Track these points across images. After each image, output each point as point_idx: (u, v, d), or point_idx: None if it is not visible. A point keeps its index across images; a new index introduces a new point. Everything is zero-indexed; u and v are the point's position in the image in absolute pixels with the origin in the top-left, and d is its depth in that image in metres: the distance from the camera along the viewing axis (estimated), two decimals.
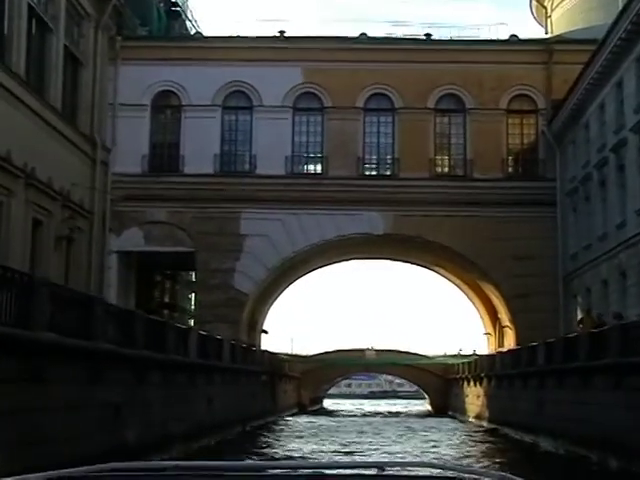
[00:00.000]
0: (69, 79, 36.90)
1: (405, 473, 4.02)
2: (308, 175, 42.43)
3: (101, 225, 39.00)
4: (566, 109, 38.38)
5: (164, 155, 41.71)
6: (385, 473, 3.77)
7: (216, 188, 40.55)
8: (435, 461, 5.37)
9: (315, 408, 66.90)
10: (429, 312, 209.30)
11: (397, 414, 63.52)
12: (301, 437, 35.66)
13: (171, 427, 23.24)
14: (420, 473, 4.10)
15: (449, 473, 3.75)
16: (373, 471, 3.84)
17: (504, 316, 44.21)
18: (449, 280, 52.44)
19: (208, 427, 27.83)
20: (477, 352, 59.49)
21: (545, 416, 30.04)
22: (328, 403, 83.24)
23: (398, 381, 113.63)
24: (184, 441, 22.11)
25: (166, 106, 42.38)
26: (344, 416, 58.04)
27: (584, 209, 37.07)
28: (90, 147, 38.43)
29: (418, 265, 52.13)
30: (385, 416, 60.39)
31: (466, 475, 3.83)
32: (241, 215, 40.94)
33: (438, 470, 3.90)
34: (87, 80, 38.38)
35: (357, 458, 25.47)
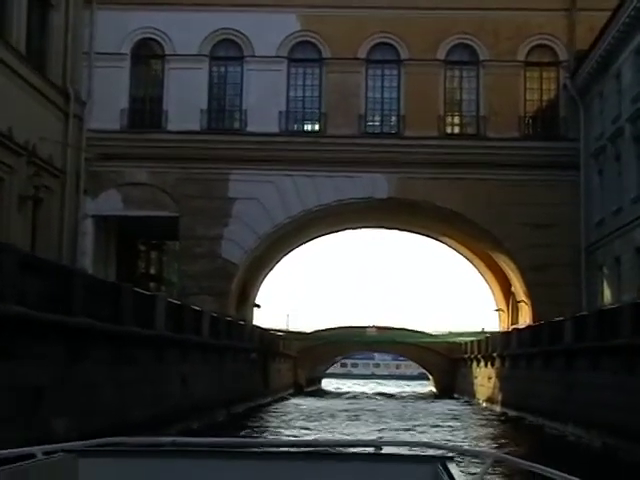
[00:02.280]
0: (36, 22, 33.58)
1: (401, 452, 4.23)
2: (304, 133, 39.02)
3: (74, 186, 35.71)
4: (593, 58, 34.49)
5: (145, 110, 38.45)
6: (382, 452, 3.93)
7: (202, 147, 37.21)
8: (431, 441, 5.12)
9: (312, 389, 63.27)
10: (435, 287, 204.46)
11: (399, 397, 59.68)
12: (290, 423, 31.89)
13: (128, 412, 19.37)
14: (416, 452, 4.48)
15: (444, 452, 3.93)
16: (370, 449, 3.96)
17: (519, 290, 40.48)
18: (458, 251, 48.81)
19: (183, 411, 23.96)
20: (486, 330, 55.72)
21: (575, 402, 26.17)
22: (326, 383, 79.73)
23: (401, 361, 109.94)
24: (148, 428, 18.28)
25: (148, 56, 39.11)
26: (341, 398, 54.22)
27: (613, 169, 33.21)
28: (62, 99, 35.26)
29: (424, 235, 48.51)
30: (387, 398, 56.59)
31: (461, 454, 4.51)
32: (230, 177, 37.49)
33: (434, 449, 4.19)
34: (58, 24, 34.99)
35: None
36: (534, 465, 3.48)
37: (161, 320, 22.72)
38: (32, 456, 3.54)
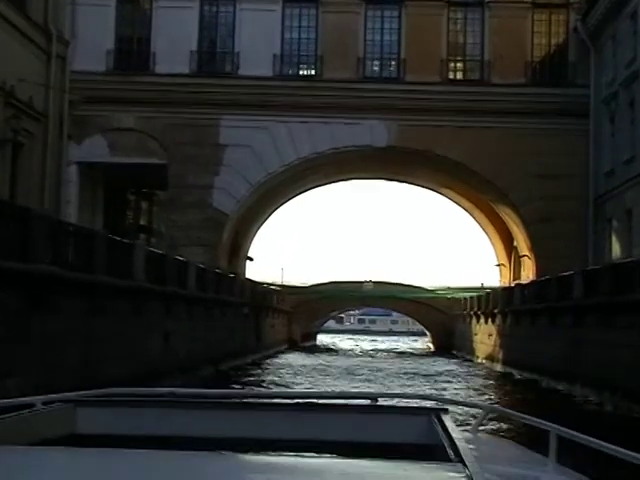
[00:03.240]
0: None
1: (398, 404, 4.24)
2: (300, 77, 37.17)
3: (57, 131, 33.99)
4: None
5: (132, 51, 36.46)
6: (378, 404, 3.94)
7: (192, 90, 35.30)
8: (426, 393, 5.34)
9: (307, 344, 61.86)
10: (434, 241, 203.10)
11: (397, 353, 58.36)
12: (281, 379, 30.44)
13: (99, 369, 17.74)
14: (412, 404, 4.34)
15: (440, 405, 3.86)
16: (366, 401, 3.97)
17: (522, 244, 38.87)
18: (459, 204, 47.15)
19: (164, 369, 22.29)
20: (485, 285, 54.22)
21: (584, 361, 24.60)
22: (322, 339, 78.45)
23: (398, 317, 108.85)
24: (122, 387, 16.64)
25: None
26: (336, 355, 52.82)
27: (626, 117, 31.42)
28: (44, 39, 33.39)
29: (424, 187, 46.83)
30: (380, 354, 55.20)
31: (457, 406, 4.40)
32: (221, 122, 35.71)
33: (430, 402, 4.13)
34: None
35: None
36: (527, 417, 3.50)
37: (140, 270, 21.02)
38: (31, 405, 3.56)
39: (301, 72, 37.17)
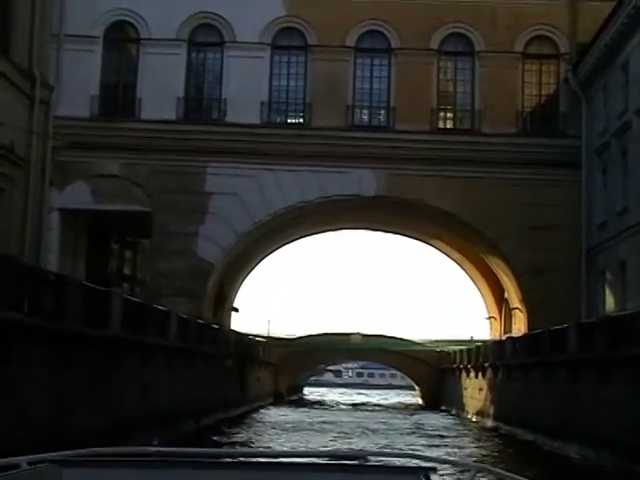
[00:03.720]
0: None
1: (387, 463, 4.41)
2: (288, 125, 36.59)
3: (39, 177, 33.48)
4: (597, 49, 32.30)
5: (118, 97, 35.98)
6: (367, 463, 3.91)
7: (178, 137, 34.79)
8: (416, 452, 4.93)
9: (294, 398, 60.67)
10: (423, 293, 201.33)
11: (381, 408, 57.17)
12: (261, 437, 29.37)
13: (66, 424, 16.72)
14: (401, 464, 4.39)
15: (430, 464, 3.81)
16: (355, 461, 3.94)
17: (513, 296, 38.15)
18: (448, 256, 46.54)
19: (141, 422, 21.25)
20: (475, 339, 53.37)
21: (580, 418, 23.66)
22: (309, 392, 77.12)
23: (386, 370, 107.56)
24: (92, 441, 15.54)
25: (121, 39, 36.76)
26: (322, 409, 51.59)
27: (618, 167, 30.95)
28: (28, 83, 32.98)
29: (413, 238, 46.23)
30: (371, 410, 54.07)
31: (446, 466, 4.71)
32: (207, 170, 35.14)
33: (419, 461, 4.01)
34: (24, 2, 32.37)
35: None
36: (518, 477, 3.47)
37: (117, 319, 20.11)
38: (17, 466, 3.53)
39: (289, 120, 36.63)
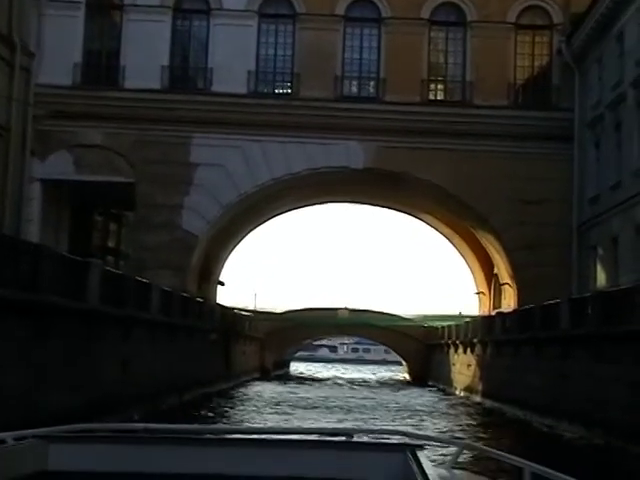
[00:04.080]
0: None
1: (373, 440, 4.57)
2: (275, 95, 35.83)
3: (20, 146, 32.71)
4: (591, 19, 31.59)
5: (101, 65, 35.13)
6: (354, 440, 3.98)
7: (163, 107, 34.05)
8: (402, 429, 4.74)
9: (279, 373, 60.12)
10: (411, 268, 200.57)
11: (367, 384, 56.67)
12: (246, 413, 28.83)
13: (41, 399, 16.04)
14: (387, 440, 4.43)
15: (417, 441, 3.87)
16: (342, 438, 4.02)
17: (503, 272, 37.63)
18: (437, 230, 45.90)
19: (121, 398, 20.58)
20: (463, 314, 52.92)
21: (571, 395, 23.15)
22: (295, 367, 76.68)
23: (372, 345, 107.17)
24: (69, 418, 14.84)
25: (105, 5, 35.90)
26: (308, 384, 51.01)
27: (611, 140, 30.33)
28: (7, 50, 32.13)
29: (403, 212, 45.52)
30: (354, 384, 53.58)
31: (432, 442, 4.41)
32: (192, 140, 34.42)
33: (406, 438, 4.09)
34: None
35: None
36: (502, 454, 3.49)
37: (95, 291, 19.41)
38: (2, 442, 3.49)
39: (277, 90, 35.84)
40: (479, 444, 4.30)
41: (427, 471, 3.12)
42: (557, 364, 24.85)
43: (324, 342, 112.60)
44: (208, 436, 4.18)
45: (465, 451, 4.02)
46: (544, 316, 27.29)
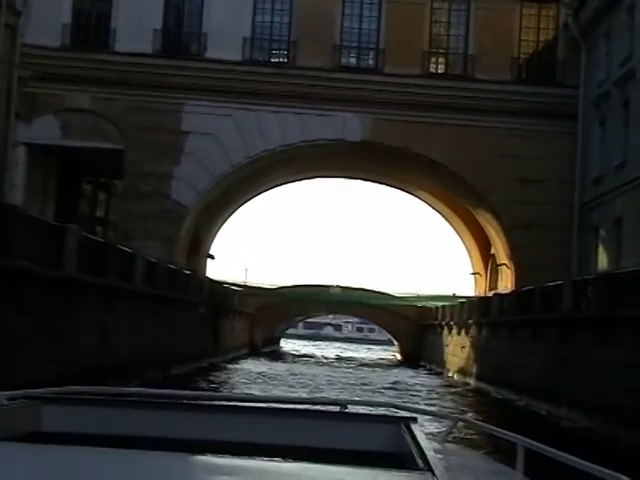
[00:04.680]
0: None
1: (366, 411, 4.31)
2: (270, 63, 34.67)
3: (4, 108, 31.79)
4: None
5: (90, 26, 34.02)
6: (347, 410, 3.97)
7: (154, 72, 33.02)
8: (396, 401, 5.01)
9: (269, 350, 59.19)
10: (406, 246, 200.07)
11: (358, 363, 55.81)
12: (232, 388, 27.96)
13: (9, 372, 15.05)
14: (381, 412, 4.63)
15: (408, 414, 3.87)
16: (336, 408, 4.00)
17: (500, 252, 36.68)
18: (434, 208, 44.80)
19: (99, 371, 19.53)
20: (457, 294, 51.94)
21: (572, 379, 22.18)
22: (285, 344, 75.82)
23: (365, 324, 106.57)
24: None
25: None
26: (298, 362, 50.08)
27: (618, 118, 29.27)
28: None
29: (398, 188, 44.43)
30: (345, 363, 52.72)
31: (425, 416, 4.39)
32: (184, 107, 33.36)
33: (400, 411, 4.10)
34: None
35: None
36: (496, 429, 3.52)
37: (72, 258, 18.36)
38: None
39: (272, 58, 34.71)
40: (473, 419, 4.23)
41: (421, 443, 3.07)
42: (557, 347, 23.87)
43: (329, 320, 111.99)
44: (202, 402, 4.15)
45: (458, 424, 4.02)
46: (544, 298, 26.31)
